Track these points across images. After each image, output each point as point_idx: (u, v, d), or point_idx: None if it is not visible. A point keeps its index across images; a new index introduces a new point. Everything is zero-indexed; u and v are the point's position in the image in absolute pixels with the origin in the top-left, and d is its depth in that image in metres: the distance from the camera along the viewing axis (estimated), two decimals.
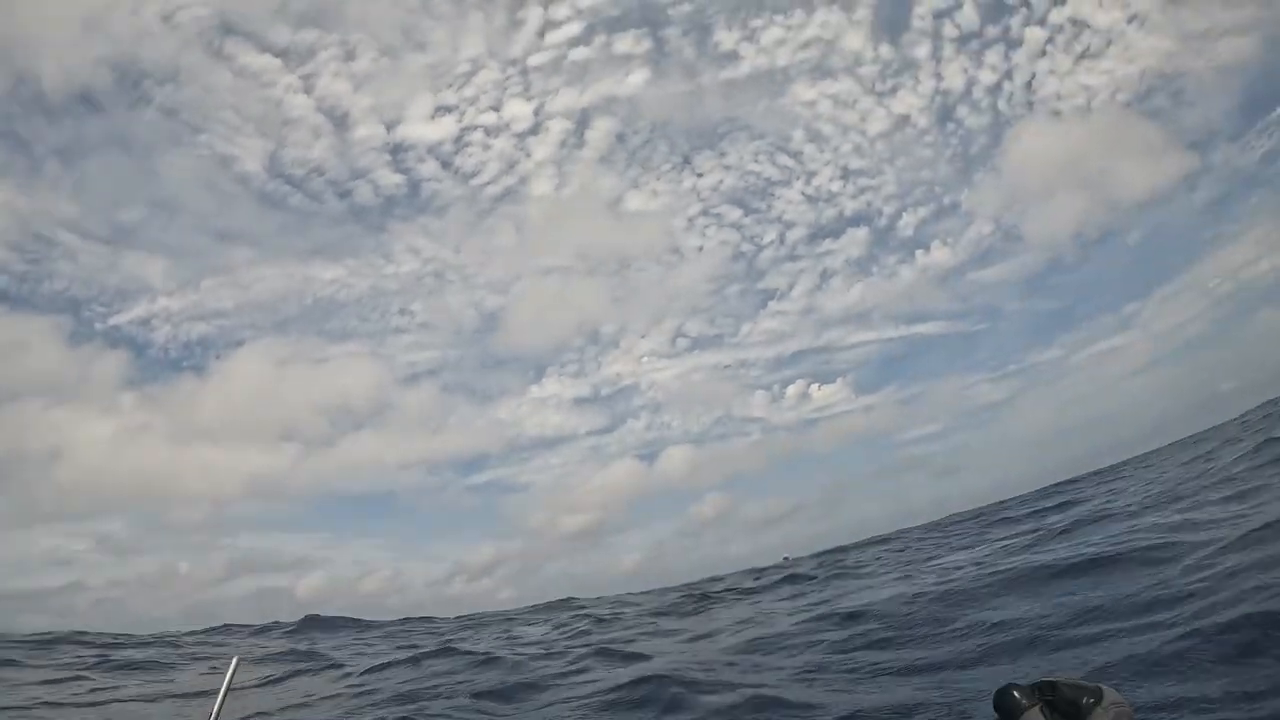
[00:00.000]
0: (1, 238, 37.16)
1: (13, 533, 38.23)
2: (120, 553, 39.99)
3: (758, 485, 51.93)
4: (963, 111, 44.23)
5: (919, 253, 45.54)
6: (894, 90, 43.78)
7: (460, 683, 10.77)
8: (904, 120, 44.61)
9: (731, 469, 47.72)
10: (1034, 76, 42.56)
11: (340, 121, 41.63)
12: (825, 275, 46.22)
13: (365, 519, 48.59)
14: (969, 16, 42.84)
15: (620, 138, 45.46)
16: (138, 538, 41.30)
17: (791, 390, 45.83)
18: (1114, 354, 44.99)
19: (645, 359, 46.07)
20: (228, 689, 2.75)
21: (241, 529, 45.59)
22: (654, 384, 46.69)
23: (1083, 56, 42.78)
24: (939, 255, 45.37)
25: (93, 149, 43.74)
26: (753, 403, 46.22)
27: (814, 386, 45.55)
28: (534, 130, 43.34)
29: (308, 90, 40.43)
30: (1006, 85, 43.22)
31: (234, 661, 2.84)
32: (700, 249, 45.85)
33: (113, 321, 39.91)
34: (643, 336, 47.07)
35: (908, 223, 45.65)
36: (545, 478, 46.46)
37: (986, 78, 43.15)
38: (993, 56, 43.58)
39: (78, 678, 14.52)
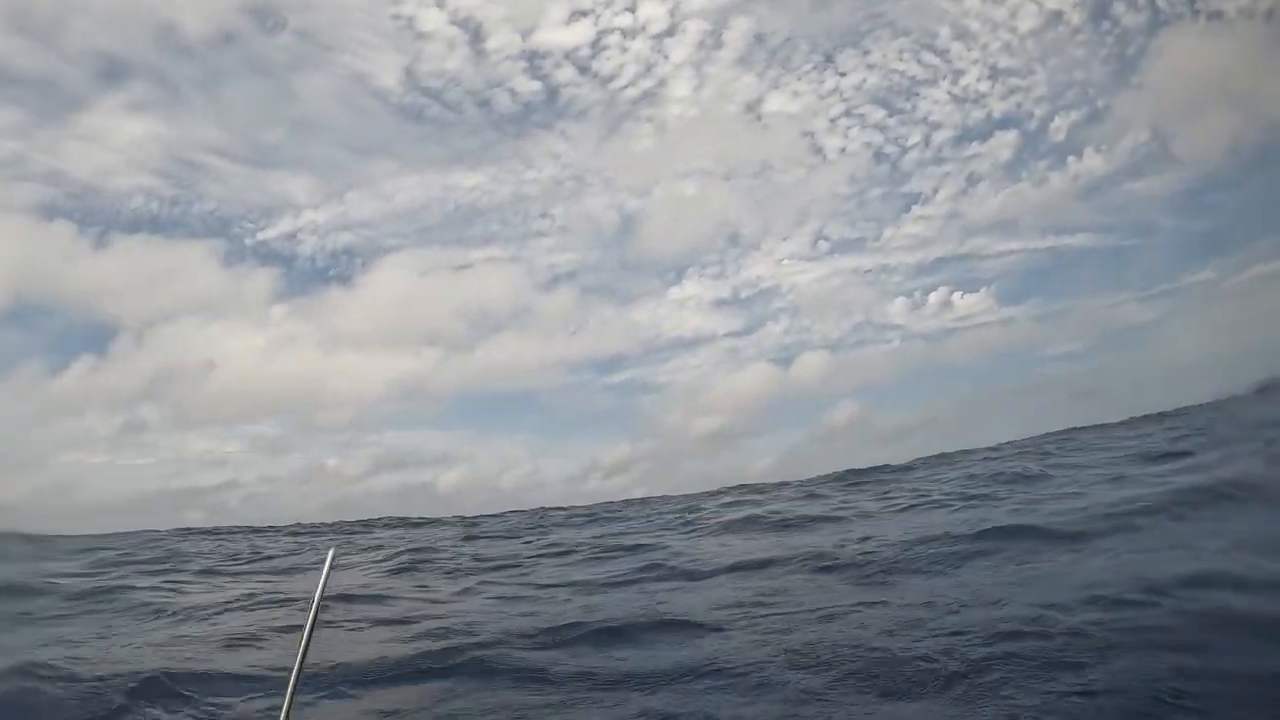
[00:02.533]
0: (150, 166, 39.81)
1: (172, 437, 43.01)
2: (271, 452, 44.29)
3: (892, 395, 50.60)
4: (1119, 8, 38.43)
5: (1070, 159, 41.11)
6: None
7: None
8: (1056, 17, 39.38)
9: (867, 377, 46.60)
10: None
11: (474, 32, 41.71)
12: (971, 180, 42.90)
13: (505, 418, 51.36)
14: None
15: (759, 37, 42.85)
16: (287, 438, 45.49)
17: (933, 298, 43.63)
18: (1272, 281, 39.49)
19: (785, 261, 45.19)
20: (326, 580, 2.70)
21: (386, 428, 49.21)
22: (794, 286, 45.78)
23: None
24: (1091, 163, 40.82)
25: (232, 76, 46.08)
26: (892, 309, 44.50)
27: (956, 295, 43.04)
28: (670, 31, 41.77)
29: (440, 4, 40.50)
30: None
31: (330, 553, 2.79)
32: (842, 150, 43.60)
33: (260, 238, 42.93)
34: (783, 239, 46.00)
35: (1059, 127, 41.00)
36: (682, 378, 47.13)
37: None
38: None
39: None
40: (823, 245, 45.26)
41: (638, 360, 50.03)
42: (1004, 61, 40.79)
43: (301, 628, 2.74)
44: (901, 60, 41.63)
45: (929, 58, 41.70)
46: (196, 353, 41.70)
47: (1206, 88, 39.38)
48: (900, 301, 44.50)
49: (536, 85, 43.10)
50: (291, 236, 43.09)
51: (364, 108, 44.67)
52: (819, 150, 43.98)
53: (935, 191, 43.38)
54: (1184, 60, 37.36)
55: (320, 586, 2.74)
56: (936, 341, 44.54)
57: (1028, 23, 39.63)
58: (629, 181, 48.41)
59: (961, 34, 41.24)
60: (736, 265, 46.37)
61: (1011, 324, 43.63)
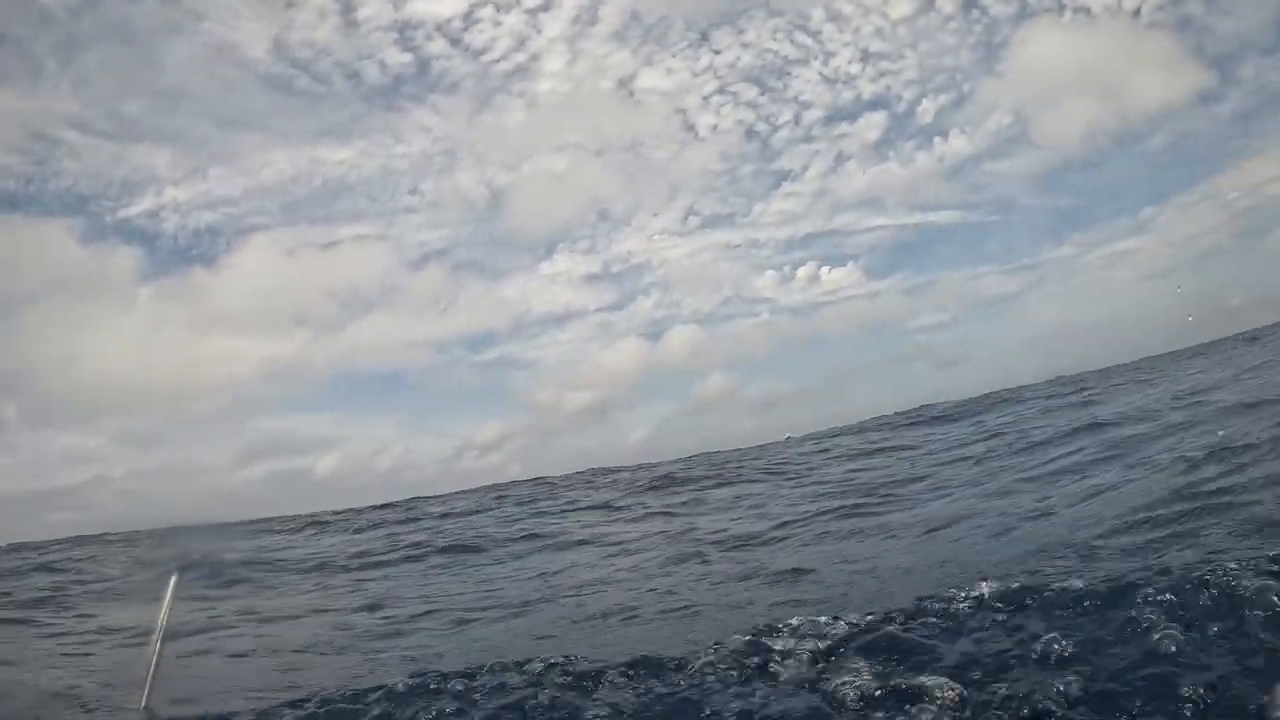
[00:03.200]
0: (4, 142, 35.60)
1: (32, 433, 39.10)
2: (140, 445, 41.05)
3: (763, 367, 52.62)
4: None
5: (936, 140, 43.91)
6: None
7: None
8: (928, 4, 41.97)
9: (737, 350, 48.27)
10: None
11: (345, 1, 39.55)
12: (840, 158, 44.91)
13: (376, 398, 49.72)
14: None
15: (634, 14, 42.81)
16: (157, 429, 42.22)
17: (802, 272, 45.61)
18: (1127, 256, 44.22)
19: (656, 236, 45.87)
20: (169, 609, 2.70)
21: (257, 414, 46.72)
22: (664, 261, 46.58)
23: None
24: (956, 144, 43.86)
25: (91, 43, 41.83)
26: (762, 283, 46.16)
27: (824, 269, 45.22)
28: (545, 6, 41.05)
29: None
30: None
31: (173, 579, 2.78)
32: (714, 128, 44.50)
33: (122, 215, 39.50)
34: (655, 214, 46.58)
35: (926, 109, 43.68)
36: (553, 354, 46.98)
37: None
38: None
39: None
40: (693, 221, 46.39)
41: (509, 336, 49.70)
42: (875, 45, 43.08)
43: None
44: (775, 40, 43.12)
45: (802, 38, 43.42)
46: (58, 344, 38.16)
47: (1066, 78, 43.38)
48: (770, 275, 46.45)
49: (407, 57, 41.63)
50: (154, 214, 39.96)
51: (230, 79, 41.60)
52: (691, 127, 44.95)
53: (805, 169, 45.41)
54: (1045, 51, 40.93)
55: (163, 617, 2.67)
56: (806, 314, 46.86)
57: (900, 9, 41.97)
58: (500, 156, 47.54)
59: (834, 16, 43.16)
60: (608, 240, 46.44)
61: (880, 296, 46.47)
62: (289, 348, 44.46)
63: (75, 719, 4.89)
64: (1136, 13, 38.55)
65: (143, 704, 2.58)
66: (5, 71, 37.65)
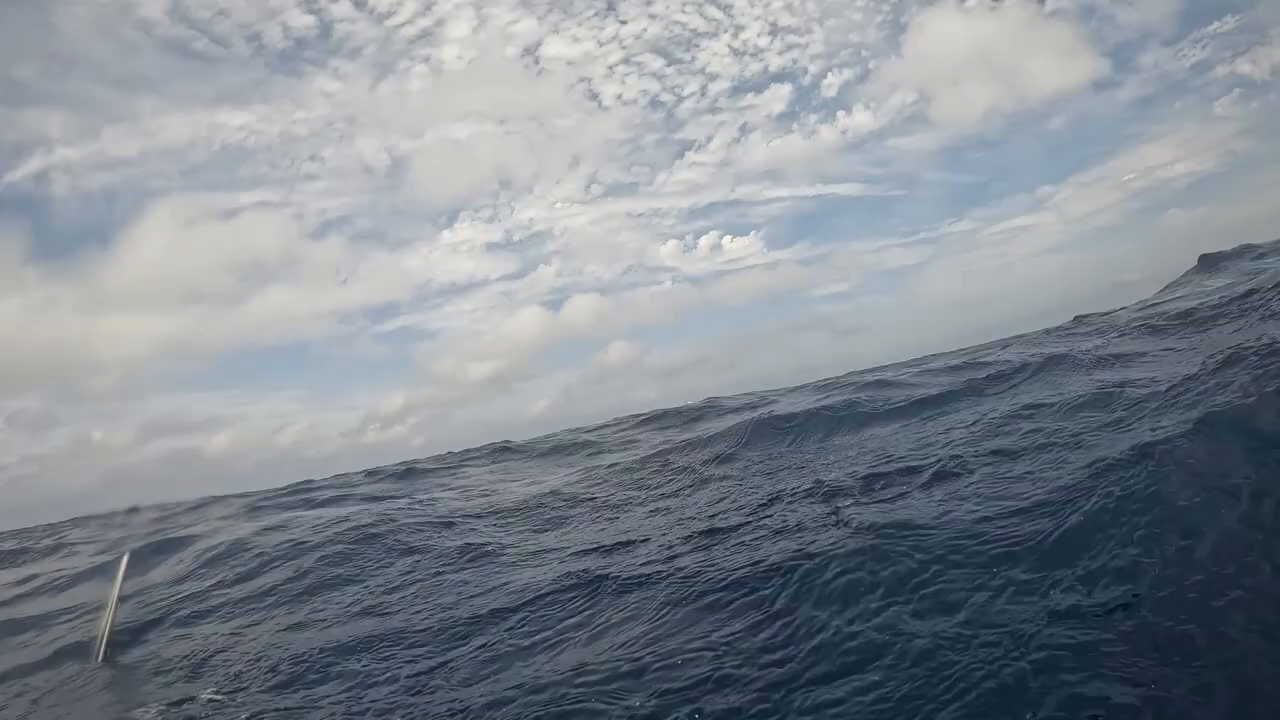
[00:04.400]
0: None
1: None
2: (33, 428, 37.87)
3: (665, 335, 53.33)
4: None
5: (840, 114, 45.28)
6: None
7: None
8: None
9: (640, 318, 48.63)
10: None
11: None
12: (745, 129, 45.64)
13: (278, 373, 47.95)
14: None
15: None
16: (50, 411, 39.19)
17: (704, 241, 46.31)
18: (1024, 232, 46.96)
19: (559, 205, 45.41)
20: (119, 589, 2.45)
21: (152, 392, 43.79)
22: (566, 230, 46.24)
23: None
24: (860, 118, 45.29)
25: None
26: (664, 251, 46.61)
27: (726, 239, 46.02)
28: None
29: None
30: None
31: (124, 558, 2.54)
32: (619, 97, 44.26)
33: (9, 179, 35.85)
34: (557, 182, 46.09)
35: (831, 83, 44.90)
36: (456, 324, 46.00)
37: None
38: None
39: None
40: (596, 189, 46.10)
41: (412, 307, 48.89)
42: (785, 19, 43.87)
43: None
44: (684, 12, 43.32)
45: (712, 10, 43.69)
46: None
47: (966, 59, 45.34)
48: (672, 244, 46.96)
49: (310, 20, 39.56)
50: (43, 176, 36.42)
51: (127, 40, 38.35)
52: (595, 96, 44.36)
53: (709, 139, 45.92)
54: (947, 32, 42.68)
55: (113, 599, 2.51)
56: (708, 283, 47.70)
57: None
58: (403, 122, 46.19)
59: None
60: (510, 209, 46.28)
61: (781, 266, 47.83)
62: (185, 323, 41.96)
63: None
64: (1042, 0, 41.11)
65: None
66: None
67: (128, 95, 43.40)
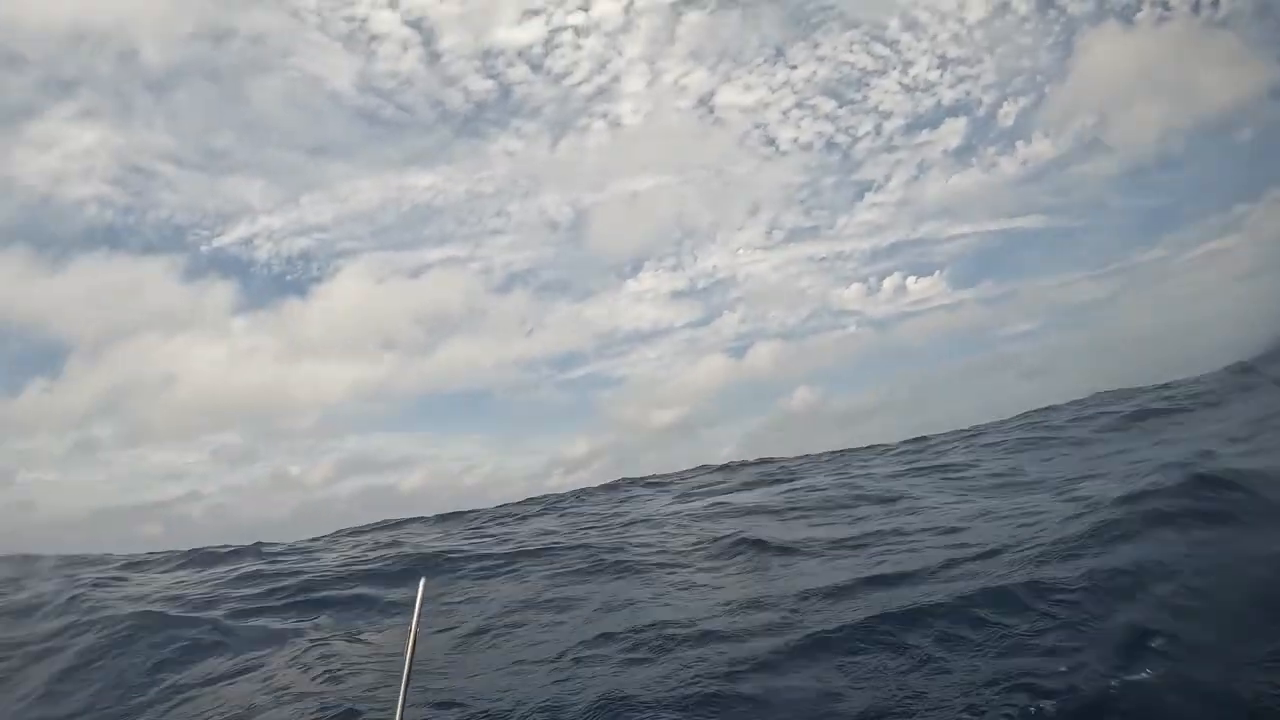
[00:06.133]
0: (103, 175, 38.80)
1: (128, 452, 42.10)
2: (233, 462, 43.46)
3: (849, 379, 51.45)
4: None
5: (1019, 144, 42.32)
6: None
7: None
8: (1004, 6, 40.53)
9: (823, 362, 47.58)
10: None
11: (427, 32, 41.44)
12: (923, 166, 43.81)
13: (464, 418, 51.17)
14: None
15: (711, 31, 43.36)
16: (249, 447, 44.72)
17: (887, 283, 44.61)
18: (1220, 256, 41.33)
19: (741, 251, 45.85)
20: (420, 611, 2.77)
21: (347, 433, 48.87)
22: (750, 276, 46.49)
23: None
24: (1040, 147, 42.11)
25: (182, 81, 45.27)
26: (847, 295, 45.41)
27: (910, 279, 44.11)
28: (624, 28, 41.93)
29: (392, 5, 40.18)
30: None
31: (421, 582, 2.87)
32: (795, 141, 44.25)
33: (216, 244, 42.19)
34: (738, 229, 46.63)
35: (1008, 112, 42.17)
36: (640, 371, 47.32)
37: None
38: None
39: None
40: (777, 234, 45.52)
41: (596, 355, 50.06)
42: (953, 51, 41.92)
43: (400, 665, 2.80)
44: (851, 52, 42.50)
45: (879, 49, 42.60)
46: (155, 367, 40.87)
47: (1134, 78, 41.18)
48: (855, 287, 45.13)
49: (490, 84, 42.85)
50: (248, 242, 42.29)
51: (317, 110, 43.95)
52: (772, 141, 44.20)
53: (887, 179, 44.31)
54: (1111, 53, 39.04)
55: (415, 619, 2.77)
56: (893, 325, 45.45)
57: (976, 13, 40.82)
58: (584, 176, 48.53)
59: (910, 25, 42.26)
60: (692, 256, 46.70)
61: (967, 305, 44.86)
62: (379, 370, 46.54)
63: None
64: (1215, 3, 36.61)
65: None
66: (97, 108, 41.36)
67: (320, 162, 49.61)
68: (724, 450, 44.73)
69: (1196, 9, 37.79)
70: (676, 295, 46.62)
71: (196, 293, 41.63)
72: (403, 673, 2.72)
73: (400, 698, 2.70)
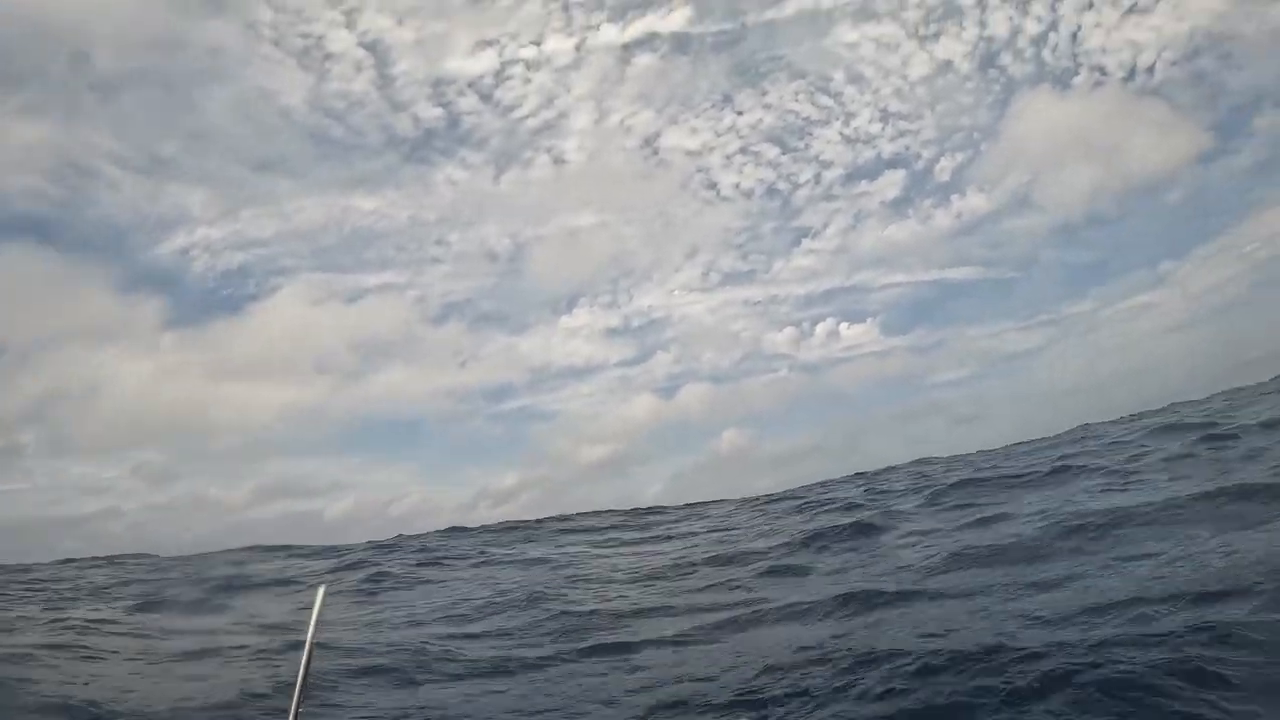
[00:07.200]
0: (39, 168, 37.16)
1: (50, 462, 39.63)
2: (155, 480, 41.41)
3: (780, 422, 52.25)
4: (1006, 59, 42.72)
5: (955, 197, 44.80)
6: (938, 36, 42.14)
7: None
8: (946, 66, 43.17)
9: (754, 406, 48.36)
10: (1080, 28, 40.81)
11: (382, 56, 41.26)
12: (860, 216, 45.75)
13: (394, 446, 50.05)
14: None
15: (661, 74, 44.51)
16: (172, 466, 42.80)
17: (820, 328, 45.93)
18: (1146, 310, 44.41)
19: (677, 292, 46.55)
20: (318, 619, 2.70)
21: (273, 456, 46.98)
22: (685, 317, 47.21)
23: (1130, 11, 40.72)
24: (974, 201, 44.70)
25: (131, 85, 44.14)
26: (780, 339, 46.53)
27: (843, 325, 45.53)
28: (575, 65, 42.63)
29: (350, 25, 39.97)
30: (1052, 36, 41.55)
31: (320, 590, 2.79)
32: (737, 186, 45.70)
33: (154, 253, 40.79)
34: (676, 270, 47.46)
35: (945, 167, 44.68)
36: (572, 407, 47.16)
37: (1032, 27, 41.56)
38: (1039, 7, 41.80)
39: None
40: (714, 277, 46.85)
41: (528, 389, 50.02)
42: (895, 105, 44.29)
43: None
44: (797, 101, 44.41)
45: (823, 99, 44.62)
46: (81, 377, 38.86)
47: (1066, 141, 44.35)
48: (788, 331, 46.16)
49: (439, 111, 43.02)
50: (185, 252, 40.93)
51: (267, 125, 43.28)
52: (713, 185, 45.62)
53: (825, 226, 45.87)
54: (1044, 117, 42.06)
55: (311, 627, 2.69)
56: (823, 371, 46.74)
57: (919, 69, 43.34)
58: (526, 210, 48.84)
59: (855, 78, 44.54)
60: (628, 295, 47.23)
61: (898, 353, 46.52)
62: (309, 394, 45.17)
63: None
64: (1150, 70, 40.07)
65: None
66: (43, 104, 39.77)
67: (265, 177, 48.76)
68: (652, 490, 44.88)
69: (1131, 76, 41.11)
70: (611, 333, 46.87)
71: (129, 304, 40.24)
72: (296, 682, 2.65)
73: (294, 706, 2.62)
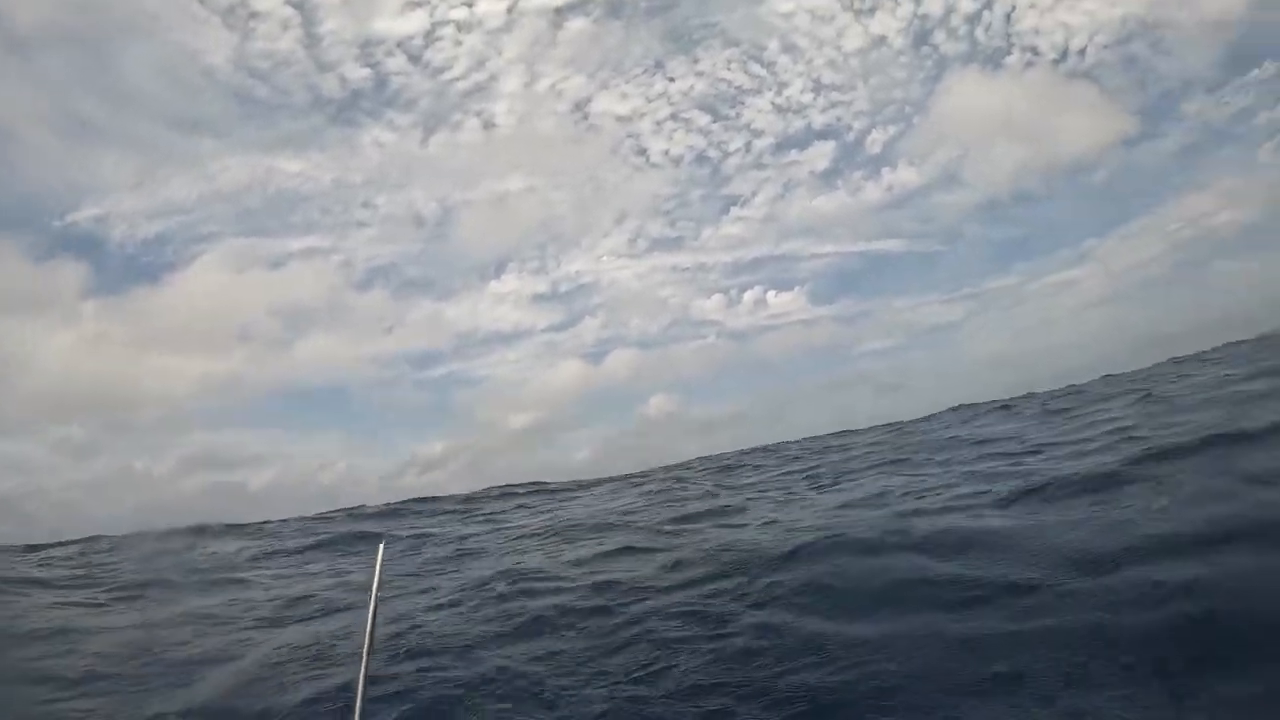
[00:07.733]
0: None
1: None
2: (77, 455, 39.07)
3: (708, 389, 53.19)
4: (940, 36, 43.77)
5: (885, 170, 45.89)
6: (873, 10, 42.90)
7: None
8: (880, 40, 43.95)
9: (682, 372, 48.83)
10: (1014, 9, 42.23)
11: (309, 14, 39.07)
12: (789, 185, 46.23)
13: (320, 415, 48.54)
14: None
15: (593, 38, 43.75)
16: (94, 441, 40.32)
17: (748, 296, 46.67)
18: (1069, 286, 46.95)
19: (605, 258, 46.29)
20: (380, 575, 2.70)
21: (196, 428, 44.98)
22: (613, 283, 47.08)
23: None
24: (905, 174, 45.81)
25: (46, 41, 40.35)
26: (708, 306, 47.08)
27: (771, 293, 46.37)
28: (506, 28, 41.33)
29: None
30: (986, 15, 42.80)
31: (380, 547, 2.74)
32: (666, 153, 45.42)
33: (70, 219, 37.99)
34: (605, 236, 47.10)
35: (876, 140, 45.45)
36: (499, 373, 46.57)
37: (967, 6, 42.62)
38: None
39: None
40: (642, 243, 46.81)
41: (455, 355, 49.95)
42: (828, 76, 44.75)
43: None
44: (729, 69, 44.27)
45: (756, 68, 44.62)
46: None
47: (995, 120, 46.15)
48: (716, 299, 46.96)
49: (367, 72, 41.31)
50: (103, 219, 38.35)
51: (189, 84, 40.62)
52: (643, 151, 45.11)
53: (754, 195, 46.01)
54: (973, 96, 43.58)
55: (375, 583, 2.84)
56: (751, 338, 47.83)
57: (853, 42, 43.87)
58: (453, 175, 47.89)
59: (789, 48, 44.66)
60: (556, 261, 47.32)
61: (825, 322, 47.93)
62: (232, 363, 43.38)
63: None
64: (1082, 53, 41.93)
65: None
66: None
67: (188, 138, 45.86)
68: (580, 455, 45.11)
69: (1063, 58, 42.23)
70: (538, 298, 46.44)
71: (45, 272, 37.39)
72: (365, 642, 2.83)
73: (363, 665, 2.81)
